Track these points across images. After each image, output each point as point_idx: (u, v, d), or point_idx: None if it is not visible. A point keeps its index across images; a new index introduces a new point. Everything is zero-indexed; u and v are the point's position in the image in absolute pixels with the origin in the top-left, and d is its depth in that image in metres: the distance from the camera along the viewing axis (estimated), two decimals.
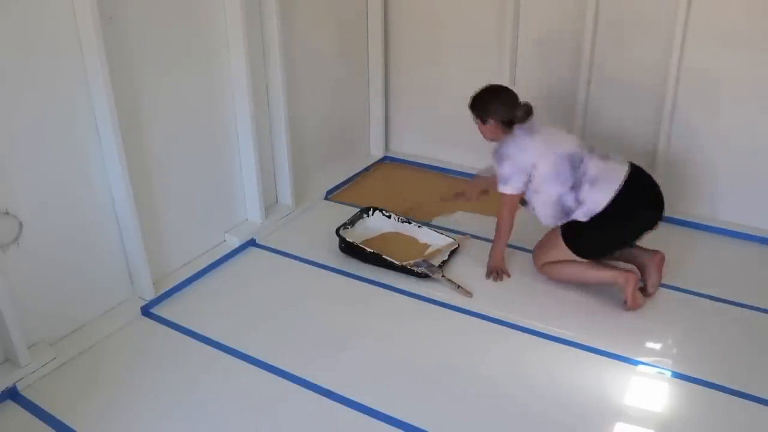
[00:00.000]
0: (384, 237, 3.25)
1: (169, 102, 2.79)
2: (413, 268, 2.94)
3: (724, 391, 2.32)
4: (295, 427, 2.23)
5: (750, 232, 3.26)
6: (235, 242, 3.21)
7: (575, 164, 2.68)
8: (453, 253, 3.11)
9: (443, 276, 2.92)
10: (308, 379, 2.40)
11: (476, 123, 2.83)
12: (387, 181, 4.06)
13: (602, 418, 2.24)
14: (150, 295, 2.79)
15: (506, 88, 2.86)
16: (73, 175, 2.49)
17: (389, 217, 3.31)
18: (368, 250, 3.01)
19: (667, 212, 3.41)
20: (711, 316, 2.72)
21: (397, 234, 3.27)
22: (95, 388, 2.37)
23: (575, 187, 2.68)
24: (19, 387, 2.35)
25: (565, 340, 2.57)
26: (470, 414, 2.26)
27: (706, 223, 3.35)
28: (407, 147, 4.25)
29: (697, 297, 2.81)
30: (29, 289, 2.41)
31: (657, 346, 2.56)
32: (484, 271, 2.99)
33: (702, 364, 2.44)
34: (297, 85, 3.44)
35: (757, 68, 3.05)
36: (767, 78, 3.04)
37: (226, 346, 2.57)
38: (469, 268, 3.02)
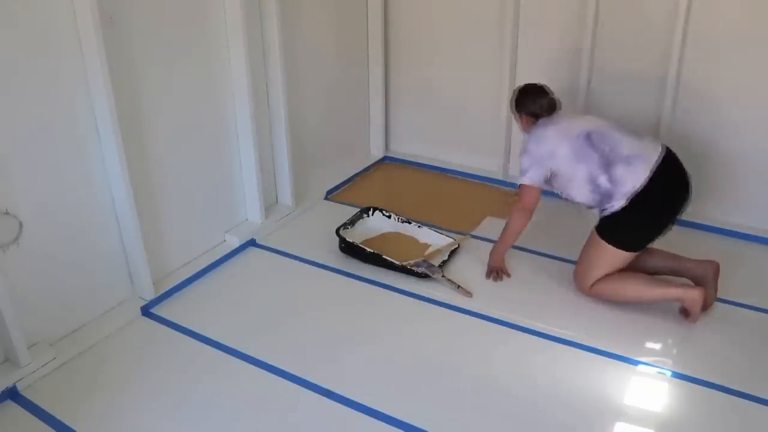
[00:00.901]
0: (384, 237, 3.24)
1: (169, 102, 2.79)
2: (413, 268, 2.94)
3: (724, 391, 2.32)
4: (296, 427, 2.23)
5: (749, 232, 3.26)
6: (235, 242, 3.21)
7: (595, 141, 2.63)
8: (453, 253, 3.11)
9: (443, 276, 2.92)
10: (308, 379, 2.40)
11: (513, 117, 2.97)
12: (387, 181, 4.06)
13: (602, 417, 2.24)
14: (150, 295, 2.79)
15: (539, 86, 2.90)
16: (73, 175, 2.49)
17: (389, 217, 3.31)
18: (368, 250, 3.01)
19: None
20: (711, 316, 2.71)
21: (397, 234, 3.27)
22: (95, 388, 2.37)
23: (606, 165, 2.60)
24: (19, 387, 2.35)
25: (565, 340, 2.57)
26: (470, 414, 2.26)
27: (705, 222, 3.35)
28: (407, 147, 4.25)
29: None
30: (29, 289, 2.41)
31: (657, 346, 2.56)
32: (484, 271, 2.99)
33: (702, 364, 2.44)
34: (297, 85, 3.44)
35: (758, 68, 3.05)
36: None
37: (226, 346, 2.57)
38: (469, 269, 3.02)
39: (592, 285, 2.70)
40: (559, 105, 2.85)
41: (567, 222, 3.31)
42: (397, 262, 2.95)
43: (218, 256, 3.11)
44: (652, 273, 2.76)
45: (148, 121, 2.72)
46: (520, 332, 2.63)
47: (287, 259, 3.16)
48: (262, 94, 3.25)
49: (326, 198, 3.75)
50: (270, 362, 2.48)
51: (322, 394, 2.33)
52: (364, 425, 2.22)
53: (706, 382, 2.36)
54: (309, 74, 3.57)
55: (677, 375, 2.40)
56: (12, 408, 2.29)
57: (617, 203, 2.59)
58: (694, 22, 3.11)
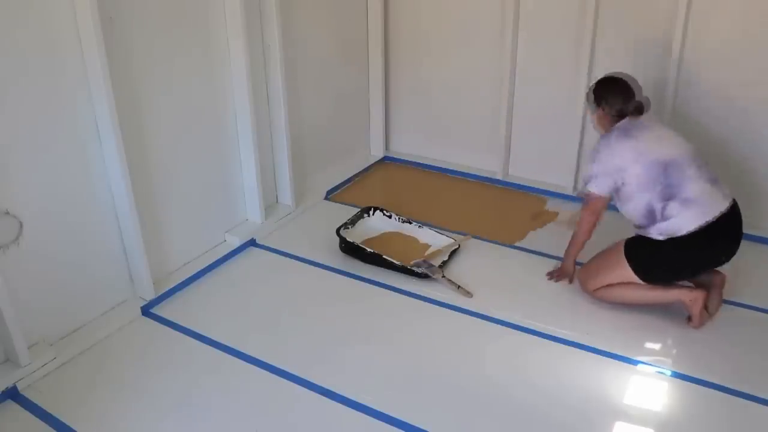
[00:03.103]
0: (384, 237, 3.24)
1: (169, 102, 2.79)
2: (413, 269, 2.93)
3: (724, 391, 2.32)
4: (296, 427, 2.23)
5: (748, 232, 3.24)
6: (235, 242, 3.21)
7: (669, 173, 2.50)
8: (453, 253, 3.10)
9: (443, 276, 2.91)
10: (308, 378, 2.40)
11: (587, 110, 2.79)
12: (387, 181, 4.06)
13: (602, 417, 2.24)
14: (150, 295, 2.79)
15: (626, 79, 2.65)
16: (73, 176, 2.49)
17: (390, 217, 3.30)
18: (368, 249, 3.01)
19: None
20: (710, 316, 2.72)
21: (398, 234, 3.27)
22: (95, 388, 2.38)
23: (665, 197, 2.51)
24: (20, 387, 2.35)
25: (565, 340, 2.57)
26: (470, 414, 2.26)
27: None
28: (407, 147, 4.25)
29: None
30: (29, 289, 2.42)
31: (657, 346, 2.56)
32: (484, 271, 2.98)
33: (702, 364, 2.44)
34: (297, 85, 3.44)
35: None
36: None
37: (226, 346, 2.57)
38: (469, 269, 3.02)
39: (596, 288, 2.70)
40: (647, 106, 2.63)
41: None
42: (397, 263, 2.95)
43: (218, 256, 3.11)
44: None
45: (148, 121, 2.72)
46: (519, 332, 2.63)
47: (287, 259, 3.16)
48: (262, 94, 3.25)
49: (326, 198, 3.75)
50: (270, 362, 2.48)
51: (322, 394, 2.33)
52: (364, 425, 2.22)
53: (706, 382, 2.36)
54: (309, 74, 3.57)
55: (677, 375, 2.40)
56: (12, 408, 2.29)
57: (655, 235, 2.55)
58: (695, 22, 3.11)
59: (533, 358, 2.51)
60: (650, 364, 2.45)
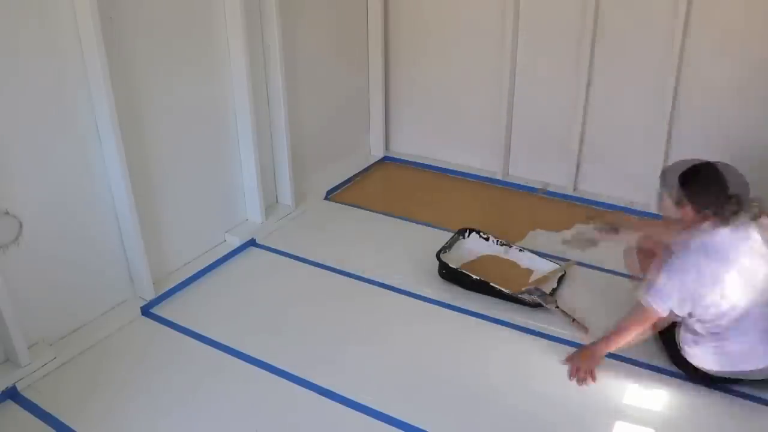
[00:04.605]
0: (483, 261, 3.02)
1: (169, 102, 2.79)
2: (524, 297, 2.71)
3: (724, 391, 2.31)
4: (296, 427, 2.23)
5: None
6: (235, 242, 3.21)
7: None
8: (560, 280, 2.87)
9: (557, 307, 2.68)
10: (308, 379, 2.40)
11: (662, 196, 2.28)
12: (387, 181, 4.06)
13: (602, 417, 2.23)
14: (150, 295, 2.79)
15: (721, 170, 2.15)
16: (73, 176, 2.49)
17: (487, 239, 3.08)
18: (474, 276, 2.78)
19: (658, 210, 3.41)
20: None
21: (496, 258, 3.04)
22: (95, 388, 2.38)
23: (714, 323, 2.18)
24: (19, 387, 2.35)
25: (564, 340, 2.57)
26: (470, 413, 2.26)
27: None
28: (407, 147, 4.25)
29: None
30: (29, 289, 2.42)
31: (656, 346, 2.56)
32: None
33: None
34: (297, 85, 3.44)
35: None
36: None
37: (226, 346, 2.57)
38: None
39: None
40: (744, 204, 2.12)
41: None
42: (506, 291, 2.73)
43: (218, 256, 3.11)
44: None
45: (148, 121, 2.72)
46: (519, 332, 2.63)
47: (287, 259, 3.16)
48: (262, 94, 3.25)
49: (326, 198, 3.75)
50: (270, 362, 2.48)
51: (322, 394, 2.33)
52: (364, 425, 2.22)
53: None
54: (309, 75, 3.57)
55: (677, 375, 2.40)
56: (12, 408, 2.29)
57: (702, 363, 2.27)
58: (695, 26, 3.10)
59: (533, 358, 2.51)
60: (650, 364, 2.45)
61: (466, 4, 3.70)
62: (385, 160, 4.25)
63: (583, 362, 2.38)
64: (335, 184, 3.86)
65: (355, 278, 2.98)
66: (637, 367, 2.44)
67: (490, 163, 3.92)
